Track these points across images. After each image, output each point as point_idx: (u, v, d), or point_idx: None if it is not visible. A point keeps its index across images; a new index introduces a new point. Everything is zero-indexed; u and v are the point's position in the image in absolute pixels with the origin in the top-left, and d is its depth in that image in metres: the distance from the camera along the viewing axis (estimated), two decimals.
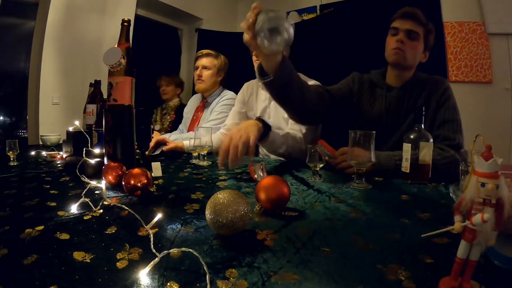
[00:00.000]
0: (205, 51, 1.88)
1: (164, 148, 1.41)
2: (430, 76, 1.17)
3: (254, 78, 1.51)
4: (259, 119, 1.03)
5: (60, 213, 0.55)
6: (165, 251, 0.36)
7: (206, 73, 1.83)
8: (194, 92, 2.32)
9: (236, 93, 1.68)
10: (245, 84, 1.61)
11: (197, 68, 1.86)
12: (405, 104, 1.12)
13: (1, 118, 2.51)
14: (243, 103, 1.56)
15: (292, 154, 1.18)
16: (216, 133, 1.53)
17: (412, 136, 0.84)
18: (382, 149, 0.95)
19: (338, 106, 1.17)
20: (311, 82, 1.44)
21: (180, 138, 1.67)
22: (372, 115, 1.16)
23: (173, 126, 2.39)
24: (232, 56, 2.01)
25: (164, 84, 2.65)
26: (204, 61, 1.84)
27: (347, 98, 1.21)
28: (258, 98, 1.52)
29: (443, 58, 2.46)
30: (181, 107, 2.45)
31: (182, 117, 2.30)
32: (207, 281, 0.32)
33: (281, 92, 0.97)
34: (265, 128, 1.02)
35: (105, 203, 0.58)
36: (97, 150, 0.91)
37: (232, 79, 1.92)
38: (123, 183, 0.66)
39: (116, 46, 0.82)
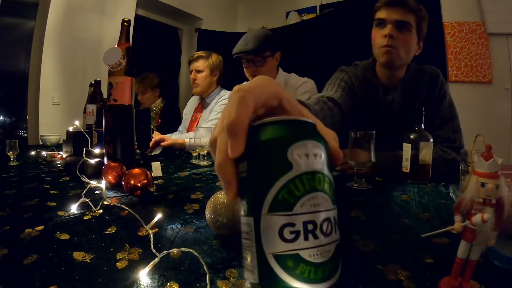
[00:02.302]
0: (196, 54, 1.86)
1: (162, 143, 1.40)
2: (423, 68, 1.07)
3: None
4: None
5: (60, 213, 0.55)
6: (165, 251, 0.36)
7: (199, 76, 1.82)
8: None
9: None
10: None
11: (191, 72, 1.86)
12: (404, 106, 1.05)
13: (1, 118, 2.51)
14: None
15: None
16: None
17: (412, 136, 0.84)
18: (381, 149, 0.94)
19: (345, 119, 0.98)
20: (302, 80, 1.44)
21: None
22: (371, 120, 1.06)
23: (161, 131, 2.08)
24: (232, 56, 2.01)
25: (140, 93, 2.26)
26: (196, 64, 1.83)
27: (351, 107, 1.04)
28: None
29: (443, 58, 2.47)
30: (166, 108, 2.31)
31: (170, 119, 2.24)
32: (207, 281, 0.32)
33: None
34: None
35: (105, 203, 0.57)
36: (97, 150, 0.90)
37: (232, 79, 1.92)
38: (123, 183, 0.66)
39: (116, 46, 0.82)
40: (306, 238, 0.19)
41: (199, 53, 1.87)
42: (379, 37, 0.99)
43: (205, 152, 1.17)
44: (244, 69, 1.40)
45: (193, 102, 2.03)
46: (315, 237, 0.19)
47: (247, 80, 1.56)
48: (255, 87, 0.23)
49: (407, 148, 0.84)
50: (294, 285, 0.19)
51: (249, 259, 0.21)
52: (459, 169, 0.71)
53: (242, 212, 0.21)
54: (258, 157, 0.20)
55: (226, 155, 0.21)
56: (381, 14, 0.98)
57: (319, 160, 0.20)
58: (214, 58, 1.85)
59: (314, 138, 0.21)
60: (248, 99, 0.22)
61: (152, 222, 0.44)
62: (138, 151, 1.20)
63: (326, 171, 0.21)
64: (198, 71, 1.82)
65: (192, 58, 1.87)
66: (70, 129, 1.10)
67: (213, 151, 0.23)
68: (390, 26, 0.95)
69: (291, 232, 0.19)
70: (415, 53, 1.04)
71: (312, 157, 0.20)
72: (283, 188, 0.19)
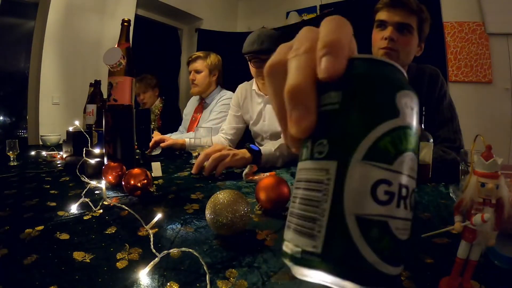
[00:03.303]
0: (194, 55, 1.87)
1: (162, 144, 1.40)
2: (423, 68, 1.07)
3: (252, 78, 1.50)
4: (250, 148, 1.00)
5: (60, 213, 0.55)
6: (165, 251, 0.36)
7: (198, 77, 1.83)
8: None
9: None
10: (239, 87, 1.58)
11: (190, 72, 1.86)
12: None
13: (1, 118, 2.51)
14: (238, 106, 1.55)
15: (290, 158, 1.18)
16: (216, 135, 1.52)
17: None
18: None
19: None
20: None
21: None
22: None
23: (161, 131, 2.06)
24: (232, 56, 2.01)
25: (140, 92, 2.28)
26: (194, 65, 1.84)
27: None
28: (253, 100, 1.50)
29: (443, 58, 2.47)
30: (166, 108, 2.32)
31: (170, 119, 2.26)
32: (207, 281, 0.32)
33: None
34: (256, 155, 1.00)
35: (105, 203, 0.57)
36: (97, 150, 0.90)
37: (232, 79, 1.92)
38: (123, 183, 0.66)
39: (116, 46, 0.82)
40: (398, 205, 0.15)
41: (198, 53, 1.88)
42: (379, 39, 0.98)
43: None
44: (254, 68, 1.39)
45: (193, 102, 2.03)
46: (405, 206, 0.15)
47: (247, 80, 1.57)
48: (348, 22, 0.19)
49: None
50: (370, 260, 0.14)
51: (312, 218, 0.15)
52: (459, 169, 0.71)
53: (316, 154, 0.16)
54: (362, 89, 0.16)
55: (309, 76, 0.16)
56: (381, 16, 0.96)
57: (416, 118, 0.16)
58: (213, 58, 1.86)
59: (414, 92, 0.17)
60: (348, 25, 0.18)
61: (152, 222, 0.44)
62: (138, 151, 1.20)
63: (417, 132, 0.17)
64: (197, 71, 1.83)
65: (190, 58, 1.88)
66: (70, 129, 1.10)
67: (275, 76, 0.18)
68: (391, 28, 0.94)
69: (386, 192, 0.14)
70: (416, 54, 1.03)
71: (413, 112, 0.16)
72: (387, 135, 0.15)
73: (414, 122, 0.16)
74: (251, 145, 1.02)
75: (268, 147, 1.07)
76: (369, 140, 0.15)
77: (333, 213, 0.15)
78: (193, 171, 0.91)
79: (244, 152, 0.97)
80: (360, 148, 0.15)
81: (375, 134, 0.15)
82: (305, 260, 0.15)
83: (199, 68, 1.83)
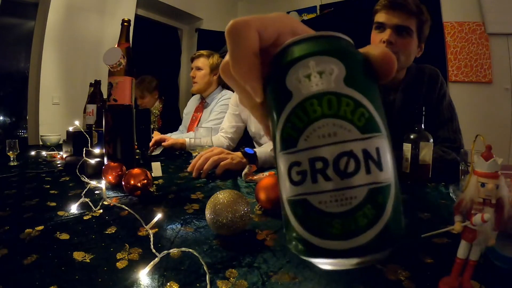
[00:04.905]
0: (197, 53, 1.89)
1: (163, 144, 1.40)
2: (423, 68, 1.06)
3: None
4: (244, 152, 1.00)
5: (60, 213, 0.55)
6: (165, 251, 0.36)
7: (198, 74, 1.84)
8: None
9: None
10: None
11: (191, 69, 1.88)
12: (405, 107, 1.03)
13: (1, 118, 2.51)
14: (236, 105, 1.56)
15: None
16: (216, 135, 1.52)
17: (412, 136, 0.84)
18: None
19: None
20: None
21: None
22: None
23: (161, 131, 2.06)
24: None
25: (138, 97, 2.25)
26: (196, 62, 1.86)
27: None
28: None
29: (443, 58, 2.47)
30: (166, 108, 2.34)
31: (170, 119, 2.27)
32: (207, 281, 0.32)
33: None
34: (251, 158, 0.99)
35: (105, 203, 0.57)
36: (97, 150, 0.90)
37: None
38: (123, 183, 0.66)
39: (116, 46, 0.82)
40: (314, 180, 0.15)
41: (201, 51, 1.90)
42: (378, 41, 0.96)
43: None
44: None
45: (193, 101, 2.03)
46: (327, 178, 0.15)
47: None
48: (256, 18, 0.18)
49: (407, 148, 0.84)
50: (304, 237, 0.15)
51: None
52: (459, 169, 0.71)
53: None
54: (269, 92, 0.18)
55: (253, 101, 0.19)
56: (380, 18, 0.95)
57: (329, 78, 0.16)
58: (216, 58, 1.88)
59: (321, 53, 0.16)
60: (245, 30, 0.17)
61: (152, 222, 0.44)
62: (138, 151, 1.20)
63: (346, 90, 0.15)
64: (198, 68, 1.84)
65: (194, 55, 1.91)
66: (70, 129, 1.10)
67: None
68: (390, 31, 0.92)
69: (298, 173, 0.15)
70: (416, 55, 1.02)
71: (316, 77, 0.16)
72: (287, 122, 0.16)
73: (319, 85, 0.15)
74: (246, 148, 1.02)
75: (264, 148, 1.07)
76: (279, 134, 0.17)
77: (281, 200, 0.17)
78: (193, 174, 0.91)
79: (241, 156, 0.97)
80: (277, 143, 0.17)
81: (280, 127, 0.16)
82: (286, 241, 0.17)
83: (200, 65, 1.84)
